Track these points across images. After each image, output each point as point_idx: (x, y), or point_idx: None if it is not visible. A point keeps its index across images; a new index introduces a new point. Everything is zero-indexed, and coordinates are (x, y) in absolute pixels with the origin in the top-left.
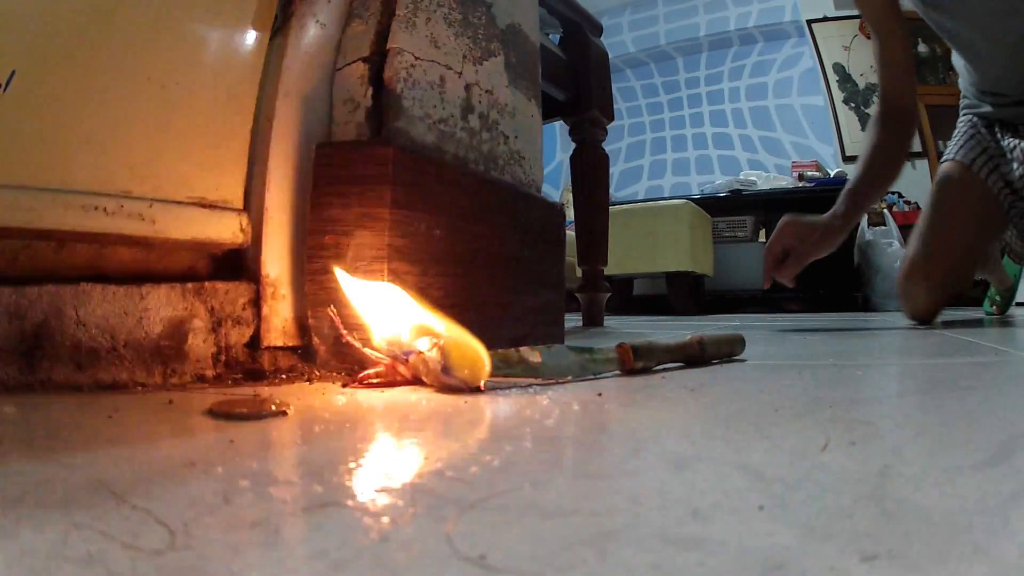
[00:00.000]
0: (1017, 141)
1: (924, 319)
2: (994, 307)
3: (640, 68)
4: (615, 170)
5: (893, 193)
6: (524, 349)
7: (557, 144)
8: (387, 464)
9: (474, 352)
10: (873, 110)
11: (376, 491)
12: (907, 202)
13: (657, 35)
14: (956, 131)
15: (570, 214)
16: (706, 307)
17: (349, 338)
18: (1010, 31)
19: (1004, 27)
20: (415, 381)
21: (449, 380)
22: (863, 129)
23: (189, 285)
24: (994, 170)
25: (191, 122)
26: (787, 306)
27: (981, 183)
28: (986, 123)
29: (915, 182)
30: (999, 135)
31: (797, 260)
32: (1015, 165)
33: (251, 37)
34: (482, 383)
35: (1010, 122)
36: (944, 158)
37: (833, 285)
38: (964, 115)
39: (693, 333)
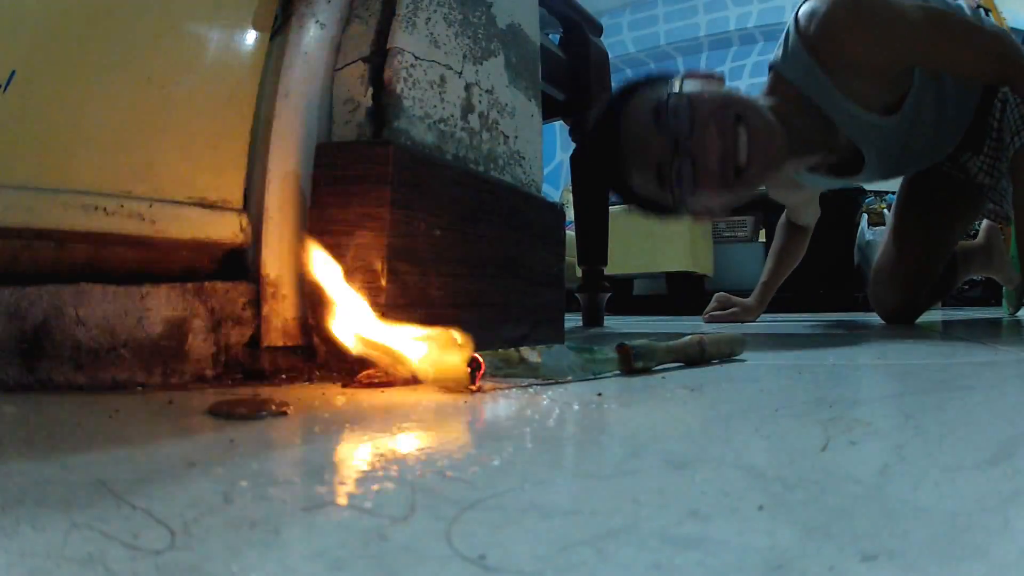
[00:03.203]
0: (970, 155)
1: (897, 320)
2: (1011, 308)
3: (640, 68)
4: None
5: (893, 193)
6: (524, 349)
7: (557, 144)
8: (387, 464)
9: (455, 364)
10: (781, 217)
11: (376, 491)
12: None
13: (657, 35)
14: None
15: (570, 214)
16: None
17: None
18: (929, 150)
19: (923, 157)
20: (415, 381)
21: (440, 383)
22: None
23: (189, 285)
24: (955, 165)
25: (191, 122)
26: (787, 306)
27: (944, 176)
28: None
29: None
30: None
31: (722, 319)
32: (973, 172)
33: (251, 37)
34: (479, 383)
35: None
36: None
37: (833, 285)
38: None
39: (693, 333)
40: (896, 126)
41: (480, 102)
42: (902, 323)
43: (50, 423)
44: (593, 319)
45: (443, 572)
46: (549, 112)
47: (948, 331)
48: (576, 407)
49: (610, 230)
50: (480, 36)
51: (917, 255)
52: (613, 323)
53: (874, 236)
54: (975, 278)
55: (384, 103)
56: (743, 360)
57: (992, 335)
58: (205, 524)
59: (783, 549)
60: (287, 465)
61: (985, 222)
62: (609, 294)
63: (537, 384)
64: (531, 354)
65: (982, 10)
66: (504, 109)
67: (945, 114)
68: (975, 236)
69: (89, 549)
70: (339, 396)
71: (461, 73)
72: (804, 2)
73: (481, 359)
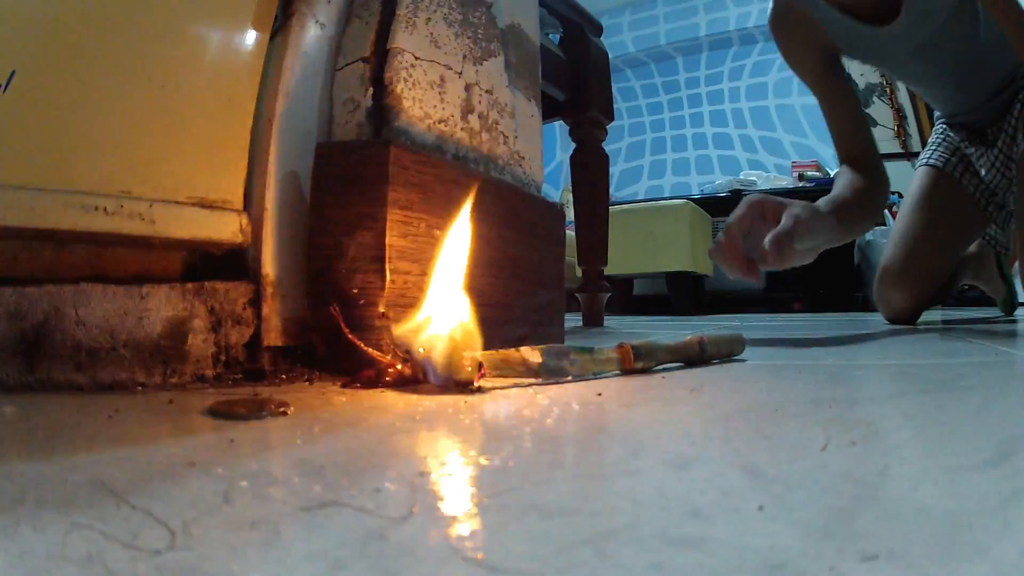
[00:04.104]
0: (984, 149)
1: (901, 320)
2: (1004, 312)
3: (640, 68)
4: (615, 170)
5: (893, 193)
6: (524, 349)
7: (557, 144)
8: (387, 464)
9: (467, 355)
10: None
11: (376, 491)
12: None
13: (657, 35)
14: (930, 139)
15: (570, 214)
16: (706, 307)
17: (350, 337)
18: (944, 84)
19: (939, 82)
20: (415, 381)
21: (439, 383)
22: None
23: (189, 285)
24: (967, 170)
25: (191, 122)
26: (787, 306)
27: (955, 184)
28: (955, 130)
29: None
30: (964, 144)
31: (787, 242)
32: (983, 171)
33: (251, 37)
34: (477, 382)
35: (976, 127)
36: (919, 163)
37: (833, 285)
38: (937, 124)
39: (693, 333)
40: (944, 7)
41: (480, 102)
42: (904, 323)
43: (50, 423)
44: (593, 319)
45: (443, 572)
46: (549, 112)
47: (948, 331)
48: (576, 407)
49: (610, 230)
50: (480, 36)
51: (930, 258)
52: (613, 323)
53: (874, 236)
54: (966, 284)
55: (384, 103)
56: (743, 360)
57: (991, 335)
58: (205, 524)
59: (783, 549)
60: (287, 465)
61: None
62: (609, 294)
63: (537, 384)
64: (531, 354)
65: None
66: (504, 109)
67: (975, 48)
68: None
69: (89, 549)
70: (339, 396)
71: (461, 73)
72: None
73: (481, 359)
